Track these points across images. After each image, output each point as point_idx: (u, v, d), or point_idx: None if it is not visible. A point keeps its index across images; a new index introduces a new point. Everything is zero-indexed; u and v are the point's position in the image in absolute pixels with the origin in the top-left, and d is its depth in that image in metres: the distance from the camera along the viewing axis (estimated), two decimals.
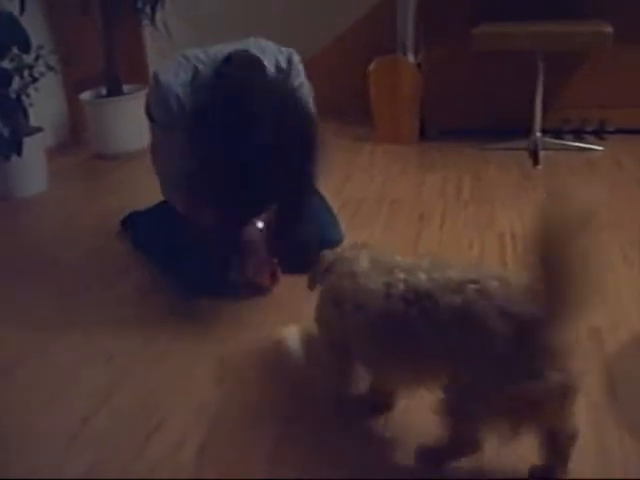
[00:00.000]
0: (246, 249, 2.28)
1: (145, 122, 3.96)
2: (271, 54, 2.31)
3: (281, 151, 1.96)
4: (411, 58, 3.86)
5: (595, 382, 1.82)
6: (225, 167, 1.97)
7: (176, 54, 2.29)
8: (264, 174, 1.96)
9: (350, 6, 4.37)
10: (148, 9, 3.89)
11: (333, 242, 2.47)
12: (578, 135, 3.78)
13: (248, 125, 1.94)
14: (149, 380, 1.97)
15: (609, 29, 3.22)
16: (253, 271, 2.32)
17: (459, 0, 3.68)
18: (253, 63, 2.18)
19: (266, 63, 2.24)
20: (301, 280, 1.87)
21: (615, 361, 1.91)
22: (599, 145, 3.66)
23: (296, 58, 2.37)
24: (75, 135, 4.18)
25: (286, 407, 1.82)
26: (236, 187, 1.98)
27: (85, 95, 3.98)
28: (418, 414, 1.69)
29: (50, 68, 3.44)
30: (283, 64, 2.33)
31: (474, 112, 3.86)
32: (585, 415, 1.69)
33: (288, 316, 2.17)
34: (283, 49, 2.36)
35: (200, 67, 2.23)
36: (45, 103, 3.72)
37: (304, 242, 2.27)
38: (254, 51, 2.26)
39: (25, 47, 3.18)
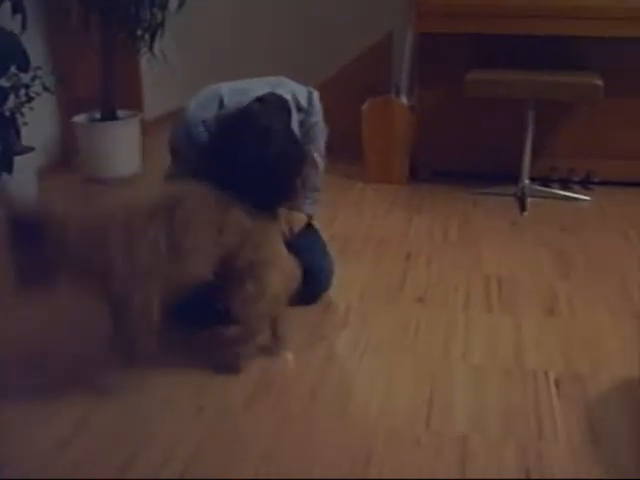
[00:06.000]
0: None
1: (136, 148, 4.03)
2: (293, 93, 2.34)
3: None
4: (404, 100, 3.90)
5: (576, 426, 1.83)
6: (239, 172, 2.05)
7: (205, 88, 2.31)
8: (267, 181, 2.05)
9: (346, 45, 4.43)
10: (147, 37, 3.93)
11: (325, 271, 2.51)
12: (565, 184, 3.83)
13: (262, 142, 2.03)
14: (130, 407, 1.95)
15: (599, 82, 3.29)
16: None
17: (455, 45, 3.73)
18: (282, 105, 2.23)
19: (289, 102, 2.29)
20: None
21: (596, 406, 1.92)
22: (585, 195, 3.71)
23: (316, 98, 2.41)
24: (66, 157, 4.18)
25: (266, 439, 1.81)
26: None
27: (79, 118, 3.99)
28: None
29: (46, 89, 3.45)
30: (304, 102, 2.36)
31: (465, 156, 3.91)
32: (566, 458, 1.71)
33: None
34: (304, 88, 2.40)
35: (226, 102, 2.24)
36: (38, 123, 3.73)
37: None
38: (280, 91, 2.29)
39: (24, 66, 3.19)
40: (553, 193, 3.72)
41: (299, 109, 2.35)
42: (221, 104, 2.25)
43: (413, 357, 2.18)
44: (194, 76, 4.80)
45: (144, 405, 1.95)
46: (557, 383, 2.03)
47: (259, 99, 2.19)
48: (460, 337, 2.30)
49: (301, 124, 2.37)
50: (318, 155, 2.49)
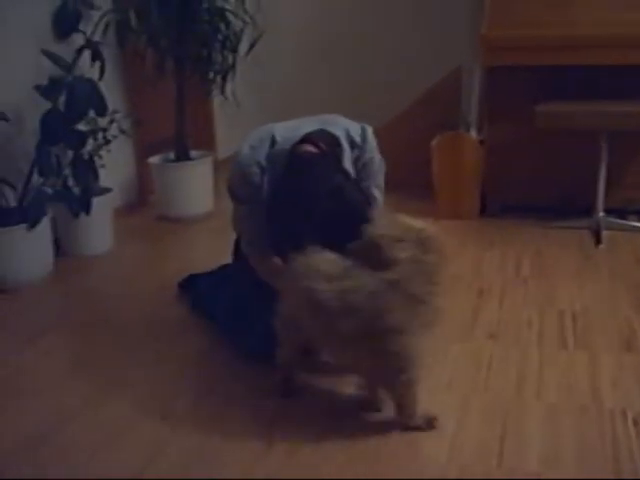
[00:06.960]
0: None
1: (209, 187, 4.12)
2: (346, 130, 2.37)
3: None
4: (474, 134, 3.89)
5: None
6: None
7: (258, 129, 2.37)
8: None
9: (415, 81, 4.45)
10: (219, 79, 4.03)
11: None
12: None
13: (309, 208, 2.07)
14: (200, 440, 1.97)
15: None
16: None
17: (523, 78, 3.71)
18: (331, 141, 2.28)
19: (341, 140, 2.32)
20: None
21: None
22: None
23: (370, 133, 2.42)
24: (142, 197, 4.30)
25: (335, 476, 1.80)
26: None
27: (154, 159, 4.11)
28: None
29: (122, 132, 3.57)
30: (357, 139, 2.38)
31: (536, 189, 3.86)
32: None
33: (340, 380, 2.19)
34: (357, 125, 2.42)
35: (278, 139, 2.30)
36: (115, 165, 3.85)
37: None
38: (332, 128, 2.33)
39: (101, 111, 3.32)
40: (630, 225, 3.63)
41: (353, 146, 2.37)
42: (273, 143, 2.30)
43: (485, 394, 2.15)
44: (264, 116, 4.90)
45: (215, 438, 1.97)
46: (636, 422, 1.96)
47: (307, 136, 2.24)
48: (534, 374, 2.25)
49: (356, 160, 2.39)
50: (377, 190, 2.49)
